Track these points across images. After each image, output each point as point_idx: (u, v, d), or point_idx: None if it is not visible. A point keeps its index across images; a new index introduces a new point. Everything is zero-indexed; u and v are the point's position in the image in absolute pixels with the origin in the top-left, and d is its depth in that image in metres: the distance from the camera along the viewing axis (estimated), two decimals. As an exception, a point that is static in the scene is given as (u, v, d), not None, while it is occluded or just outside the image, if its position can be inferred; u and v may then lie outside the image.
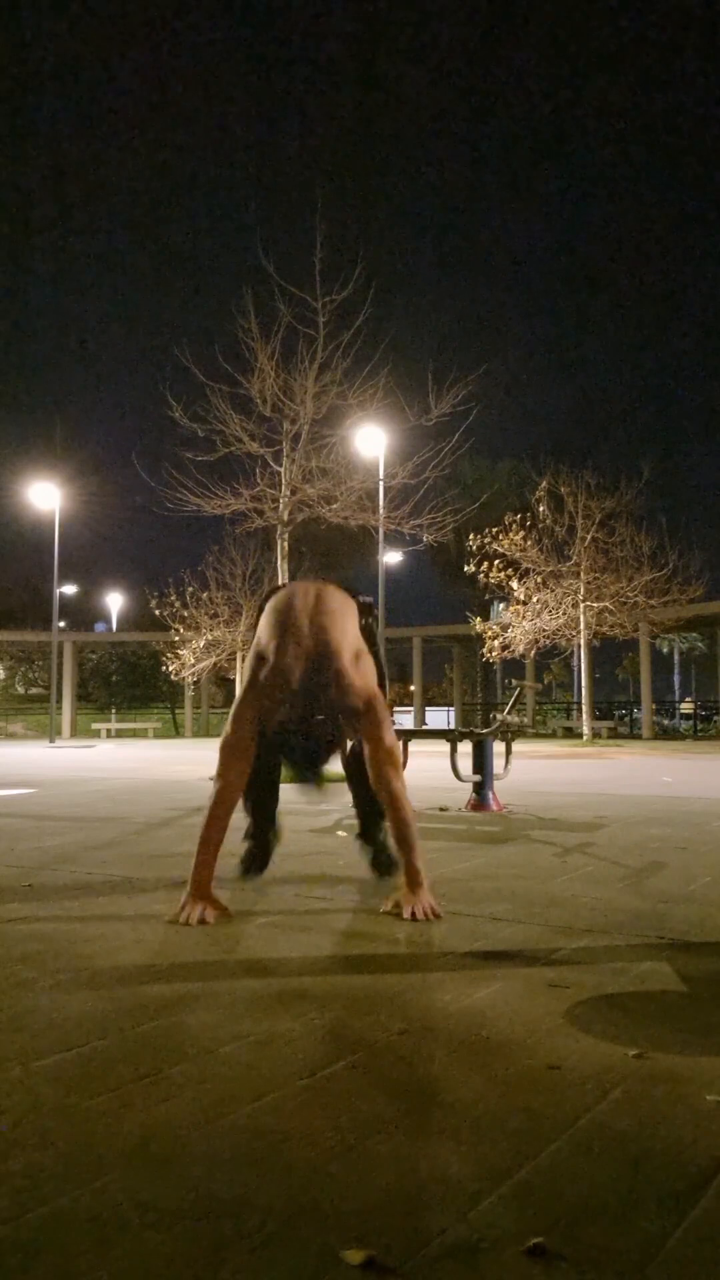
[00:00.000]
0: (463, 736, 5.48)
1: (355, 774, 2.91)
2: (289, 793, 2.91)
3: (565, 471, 21.26)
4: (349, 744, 2.81)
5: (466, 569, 21.28)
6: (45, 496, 25.62)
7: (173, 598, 16.35)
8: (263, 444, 9.12)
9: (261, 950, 2.17)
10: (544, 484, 21.30)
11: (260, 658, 2.57)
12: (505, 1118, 1.26)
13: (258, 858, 2.96)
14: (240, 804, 2.76)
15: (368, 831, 3.02)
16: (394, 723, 2.71)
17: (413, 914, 2.45)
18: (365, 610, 2.81)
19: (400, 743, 2.66)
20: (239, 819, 2.82)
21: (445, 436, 9.59)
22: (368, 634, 2.77)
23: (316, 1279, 0.90)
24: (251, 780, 2.72)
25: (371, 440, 13.49)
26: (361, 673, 2.57)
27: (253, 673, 2.58)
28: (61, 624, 32.98)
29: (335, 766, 2.60)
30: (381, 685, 2.70)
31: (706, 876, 3.10)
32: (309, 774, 2.43)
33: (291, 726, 2.36)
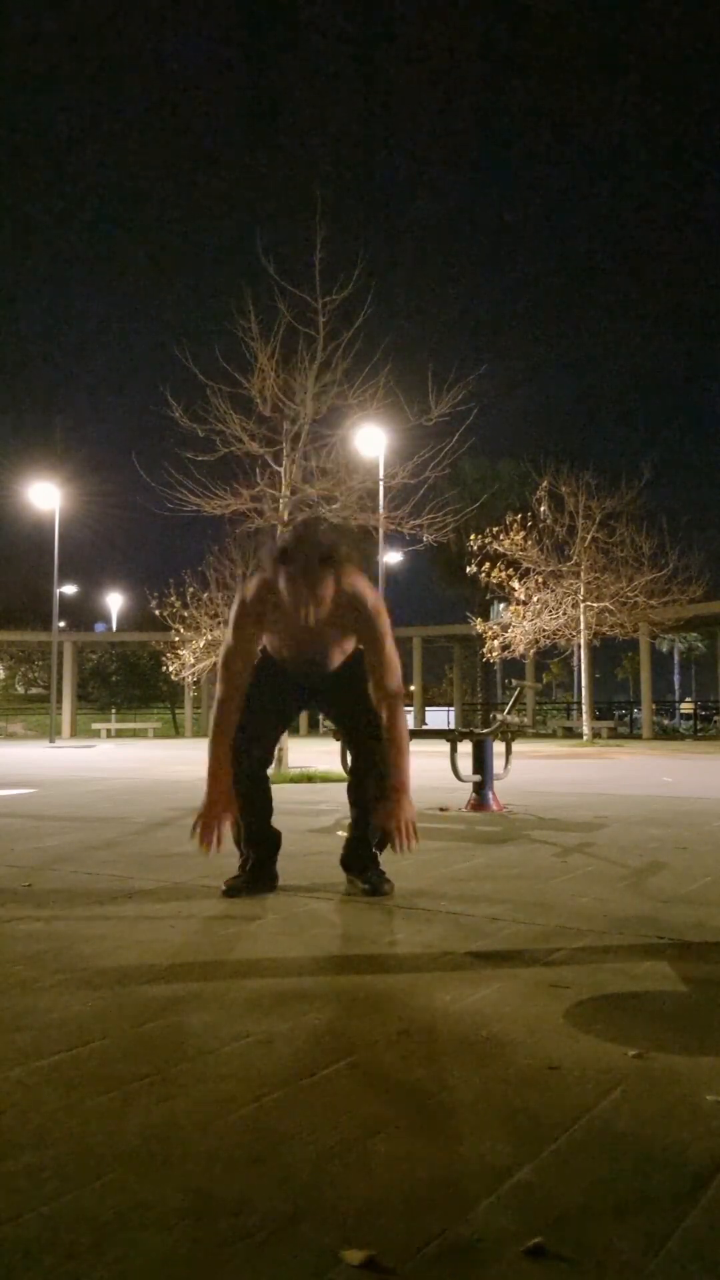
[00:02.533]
0: (463, 736, 5.48)
1: (357, 781, 2.91)
2: (289, 792, 2.92)
3: (565, 471, 21.29)
4: (349, 757, 2.84)
5: (468, 569, 21.28)
6: (45, 496, 25.64)
7: (173, 598, 16.35)
8: (263, 444, 9.11)
9: (261, 950, 2.17)
10: (544, 484, 21.31)
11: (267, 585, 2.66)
12: (505, 1118, 1.26)
13: (263, 880, 2.92)
14: (231, 836, 2.80)
15: (355, 855, 2.94)
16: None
17: (393, 840, 2.59)
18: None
19: (400, 674, 2.78)
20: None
21: (445, 436, 9.59)
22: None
23: (316, 1279, 0.90)
24: (249, 796, 2.79)
25: (371, 440, 13.49)
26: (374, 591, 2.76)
27: (257, 593, 2.68)
28: (61, 624, 32.97)
29: (335, 766, 2.62)
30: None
31: (706, 877, 3.10)
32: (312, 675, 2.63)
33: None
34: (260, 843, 2.90)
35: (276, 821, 2.95)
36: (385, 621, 2.74)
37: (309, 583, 2.51)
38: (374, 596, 2.72)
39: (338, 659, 2.82)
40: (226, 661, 2.73)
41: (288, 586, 2.54)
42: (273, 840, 2.94)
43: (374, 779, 2.81)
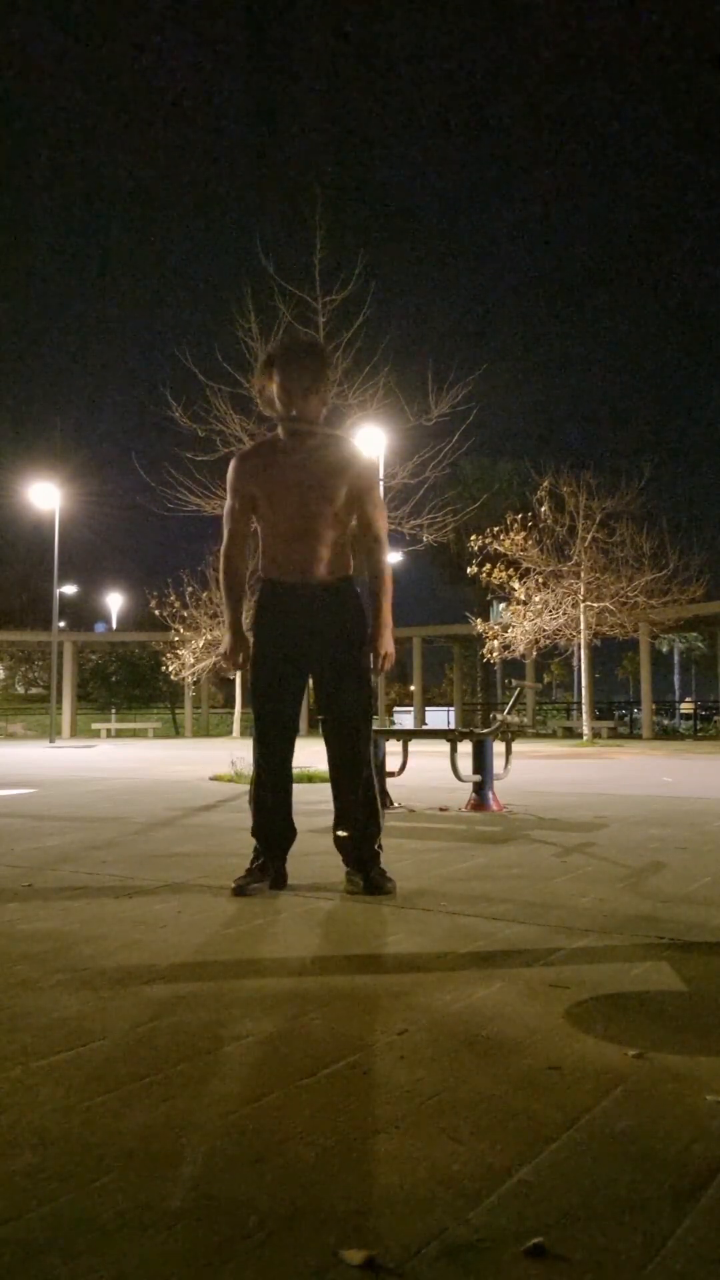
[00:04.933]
0: (463, 736, 5.48)
1: (337, 775, 2.92)
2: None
3: (566, 471, 21.29)
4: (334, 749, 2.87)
5: (468, 570, 21.29)
6: (45, 496, 25.63)
7: (173, 598, 16.38)
8: (263, 444, 9.11)
9: (261, 950, 2.17)
10: (545, 484, 21.31)
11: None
12: (505, 1118, 1.26)
13: (272, 876, 2.91)
14: (260, 831, 2.89)
15: (357, 853, 2.94)
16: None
17: (376, 665, 2.85)
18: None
19: (386, 522, 3.04)
20: (244, 815, 2.81)
21: (445, 436, 9.60)
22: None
23: (316, 1279, 0.90)
24: (270, 783, 2.90)
25: (371, 440, 13.50)
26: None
27: (252, 449, 2.96)
28: (61, 624, 32.99)
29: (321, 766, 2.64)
30: None
31: (706, 877, 3.10)
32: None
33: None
34: (274, 840, 2.90)
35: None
36: (375, 463, 2.95)
37: (301, 371, 2.75)
38: (364, 452, 2.99)
39: (326, 554, 2.86)
40: (227, 513, 2.95)
41: (282, 386, 2.77)
42: (289, 835, 2.96)
43: (353, 774, 2.86)
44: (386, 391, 9.34)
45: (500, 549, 20.39)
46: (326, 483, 2.81)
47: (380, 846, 2.88)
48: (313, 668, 2.94)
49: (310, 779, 6.93)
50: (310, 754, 4.34)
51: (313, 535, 2.83)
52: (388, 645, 2.92)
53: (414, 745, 5.95)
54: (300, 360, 2.77)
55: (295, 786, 3.04)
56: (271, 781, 2.90)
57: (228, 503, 2.95)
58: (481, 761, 5.35)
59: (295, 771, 3.04)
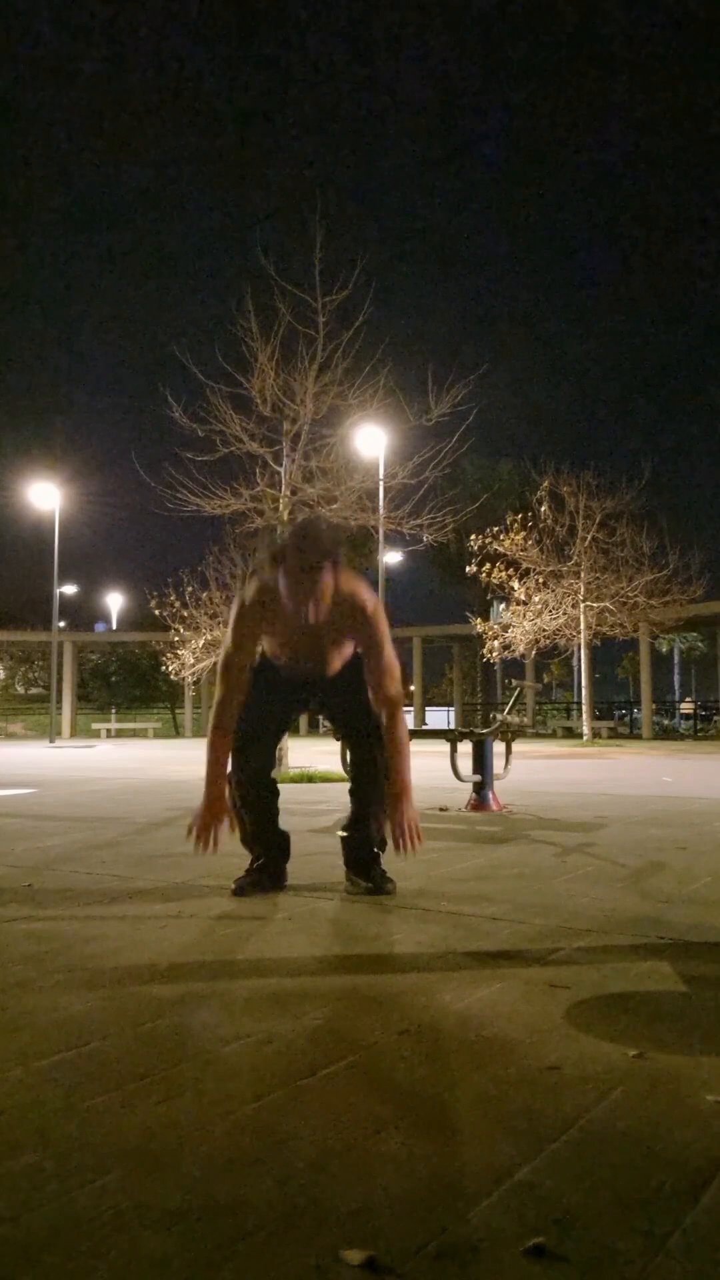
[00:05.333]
0: (463, 736, 5.48)
1: (357, 779, 2.91)
2: (289, 792, 2.92)
3: (565, 471, 21.29)
4: (348, 752, 2.84)
5: (468, 570, 21.29)
6: (45, 496, 25.63)
7: (173, 598, 16.38)
8: (263, 444, 9.12)
9: (262, 950, 2.17)
10: (545, 484, 21.31)
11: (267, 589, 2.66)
12: (505, 1118, 1.26)
13: (272, 879, 2.91)
14: (228, 837, 2.77)
15: (357, 855, 2.93)
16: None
17: (402, 842, 2.56)
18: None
19: (400, 678, 2.79)
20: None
21: (445, 436, 9.60)
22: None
23: (316, 1279, 0.90)
24: (251, 788, 2.81)
25: (371, 440, 13.49)
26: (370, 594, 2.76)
27: (257, 595, 2.69)
28: (61, 624, 32.98)
29: (335, 766, 2.62)
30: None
31: (706, 877, 3.10)
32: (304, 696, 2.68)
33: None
34: (267, 845, 2.89)
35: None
36: (384, 625, 2.74)
37: (307, 581, 2.52)
38: (372, 600, 2.72)
39: (336, 664, 2.82)
40: (225, 664, 2.73)
41: (286, 586, 2.55)
42: (280, 843, 2.93)
43: (373, 780, 2.82)
44: (386, 391, 9.33)
45: (500, 549, 20.39)
46: (336, 637, 2.74)
47: (380, 849, 2.88)
48: (311, 706, 3.02)
49: (310, 779, 6.95)
50: (310, 754, 4.34)
51: (321, 664, 2.80)
52: (411, 815, 2.66)
53: (414, 745, 5.93)
54: (309, 571, 2.52)
55: (295, 787, 3.06)
56: (255, 794, 2.85)
57: (228, 649, 2.73)
58: (481, 761, 5.34)
59: (294, 772, 3.06)
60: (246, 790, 2.82)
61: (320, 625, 2.64)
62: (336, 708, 2.95)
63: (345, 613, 2.66)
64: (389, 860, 2.88)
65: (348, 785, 3.04)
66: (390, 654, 2.76)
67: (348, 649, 2.80)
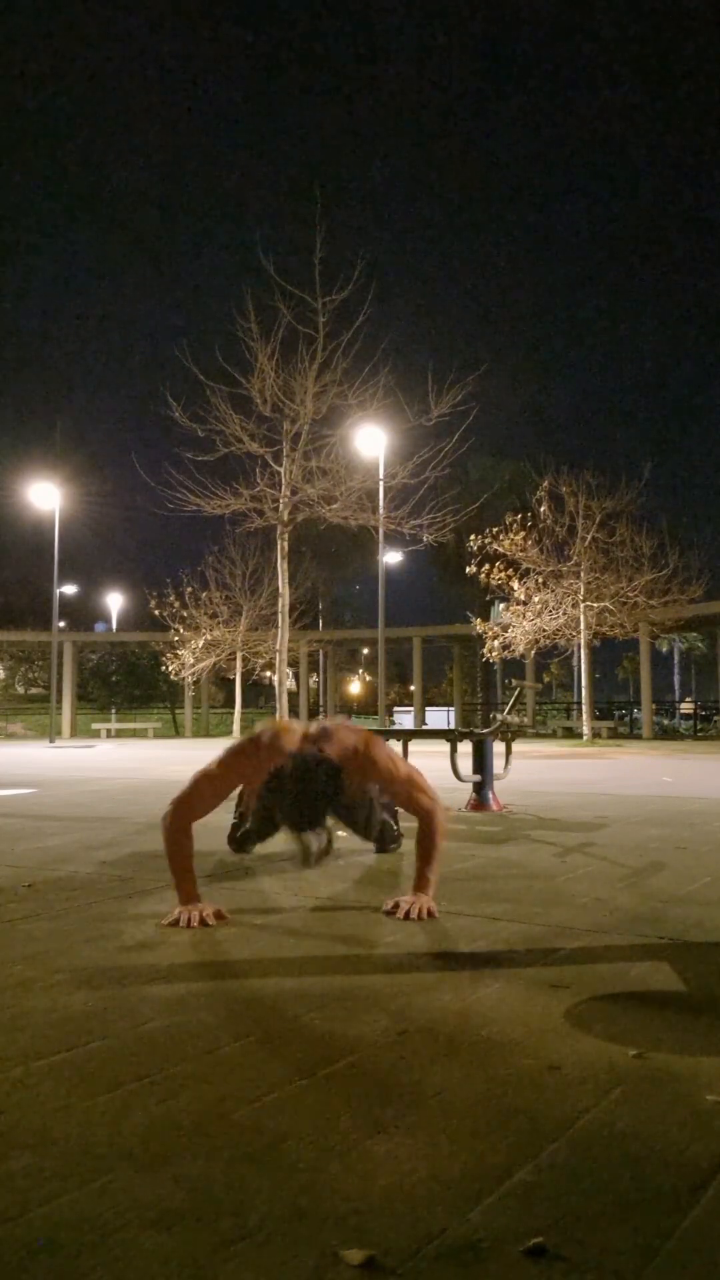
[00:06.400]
0: (463, 736, 5.48)
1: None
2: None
3: (565, 471, 21.30)
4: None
5: (468, 570, 21.29)
6: (45, 496, 25.62)
7: (172, 598, 16.37)
8: (263, 444, 9.13)
9: (261, 950, 2.17)
10: (545, 484, 21.32)
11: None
12: (505, 1118, 1.26)
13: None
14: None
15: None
16: (411, 772, 2.75)
17: (405, 913, 2.45)
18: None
19: (429, 788, 2.69)
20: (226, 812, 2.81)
21: (445, 436, 9.61)
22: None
23: (316, 1279, 0.90)
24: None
25: (371, 440, 13.49)
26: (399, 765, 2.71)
27: (259, 767, 2.62)
28: (61, 624, 32.97)
29: None
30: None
31: (706, 877, 3.10)
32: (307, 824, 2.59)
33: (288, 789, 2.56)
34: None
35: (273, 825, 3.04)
36: (383, 757, 2.67)
37: (311, 819, 2.58)
38: (361, 748, 2.62)
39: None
40: (198, 783, 2.62)
41: (288, 820, 2.63)
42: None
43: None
44: (386, 391, 9.35)
45: (500, 549, 20.40)
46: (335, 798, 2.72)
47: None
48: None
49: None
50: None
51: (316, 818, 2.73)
52: (426, 903, 2.50)
53: (414, 745, 5.95)
54: (310, 808, 2.58)
55: None
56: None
57: (212, 771, 2.63)
58: (481, 761, 5.34)
59: None
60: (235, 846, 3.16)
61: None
62: (343, 815, 3.10)
63: (347, 771, 2.63)
64: (391, 858, 2.88)
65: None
66: (404, 773, 2.69)
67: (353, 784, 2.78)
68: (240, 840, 3.42)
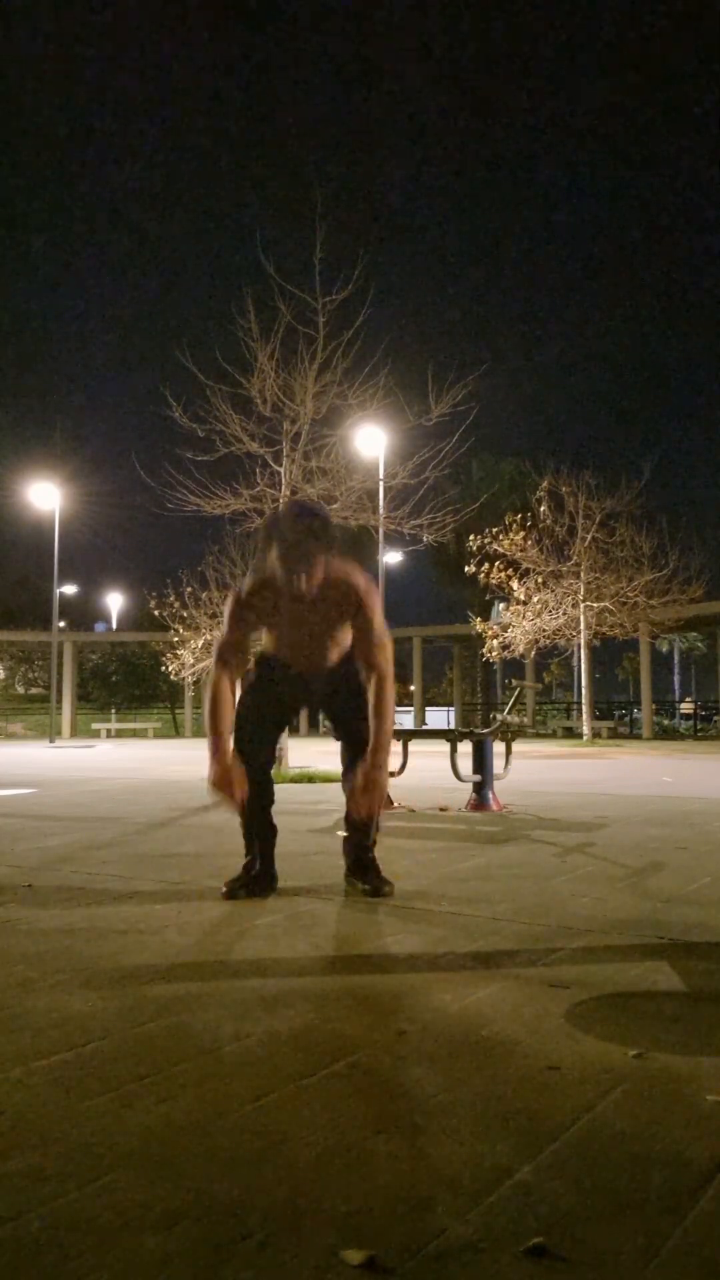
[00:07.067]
0: (463, 736, 5.48)
1: (346, 777, 2.91)
2: (289, 792, 2.92)
3: (565, 471, 21.29)
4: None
5: (468, 570, 21.29)
6: (45, 496, 25.63)
7: (172, 598, 16.38)
8: (263, 444, 9.12)
9: (261, 950, 2.17)
10: (544, 484, 21.31)
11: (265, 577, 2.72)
12: (505, 1118, 1.26)
13: (263, 882, 2.91)
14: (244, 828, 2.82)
15: (358, 859, 2.95)
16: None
17: (358, 798, 2.62)
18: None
19: (392, 654, 2.81)
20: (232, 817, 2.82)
21: (445, 436, 9.60)
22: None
23: (316, 1279, 0.90)
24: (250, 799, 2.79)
25: (371, 440, 13.49)
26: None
27: (254, 588, 2.73)
28: (61, 624, 32.98)
29: (335, 766, 2.63)
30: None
31: (706, 877, 3.10)
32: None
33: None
34: (260, 835, 2.90)
35: (277, 822, 2.96)
36: (378, 605, 2.79)
37: (301, 548, 2.58)
38: (365, 580, 2.77)
39: (334, 655, 2.83)
40: (221, 651, 2.77)
41: (280, 554, 2.61)
42: (271, 833, 2.94)
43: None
44: (386, 391, 9.33)
45: (500, 549, 20.39)
46: (332, 623, 2.78)
47: (374, 841, 2.87)
48: (309, 706, 3.04)
49: (310, 779, 6.94)
50: (310, 754, 4.34)
51: (319, 653, 2.83)
52: (371, 805, 2.66)
53: (414, 745, 5.95)
54: (298, 544, 2.59)
55: (295, 786, 3.06)
56: (254, 790, 2.86)
57: (225, 634, 2.79)
58: (481, 761, 5.34)
59: (294, 772, 3.06)
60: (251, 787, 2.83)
61: (316, 611, 2.70)
62: (336, 708, 2.95)
63: (340, 595, 2.71)
64: (391, 860, 2.88)
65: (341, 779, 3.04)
66: (381, 630, 2.78)
67: (345, 639, 2.82)
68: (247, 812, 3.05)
